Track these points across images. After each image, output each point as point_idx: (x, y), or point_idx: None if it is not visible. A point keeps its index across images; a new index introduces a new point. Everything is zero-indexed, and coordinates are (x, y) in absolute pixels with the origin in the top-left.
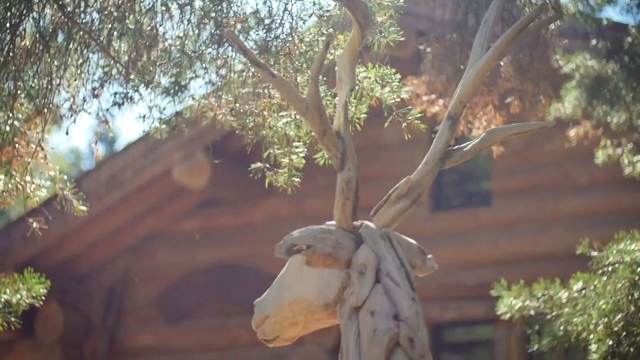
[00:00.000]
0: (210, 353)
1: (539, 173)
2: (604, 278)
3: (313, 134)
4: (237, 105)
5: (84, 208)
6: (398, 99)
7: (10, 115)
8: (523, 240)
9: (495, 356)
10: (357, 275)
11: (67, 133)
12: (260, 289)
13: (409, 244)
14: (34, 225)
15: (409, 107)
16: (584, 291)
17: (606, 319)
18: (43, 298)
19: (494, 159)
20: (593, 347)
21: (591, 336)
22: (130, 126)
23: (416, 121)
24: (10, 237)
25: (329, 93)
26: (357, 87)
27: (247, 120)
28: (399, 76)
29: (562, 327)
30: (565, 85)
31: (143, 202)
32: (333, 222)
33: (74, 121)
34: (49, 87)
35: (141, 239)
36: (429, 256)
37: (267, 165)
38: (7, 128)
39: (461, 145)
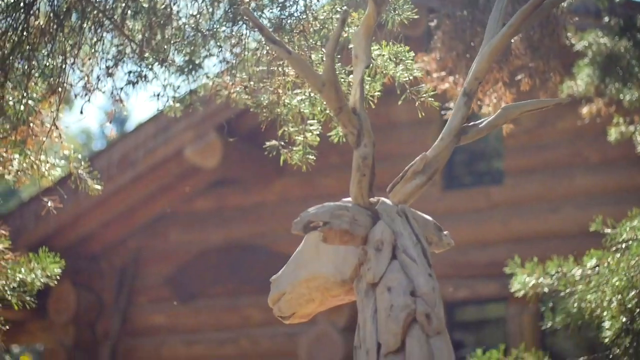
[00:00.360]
0: (222, 332)
1: (551, 151)
2: (618, 255)
3: (327, 111)
4: (252, 83)
5: (99, 187)
6: (411, 77)
7: (25, 94)
8: (535, 219)
9: (507, 334)
10: (373, 251)
11: (81, 112)
12: (272, 268)
13: (425, 220)
14: (49, 204)
15: (423, 85)
16: (597, 268)
17: (619, 296)
18: (58, 277)
19: (505, 138)
20: (606, 324)
21: (604, 313)
22: (140, 106)
23: (429, 99)
24: (22, 218)
25: (343, 71)
26: (371, 65)
27: (262, 98)
28: (412, 54)
29: (575, 305)
30: (577, 63)
31: (155, 182)
32: (349, 199)
33: (89, 100)
34: (63, 66)
35: (153, 218)
36: (445, 232)
37: (282, 143)
38: (22, 107)
39: (476, 122)
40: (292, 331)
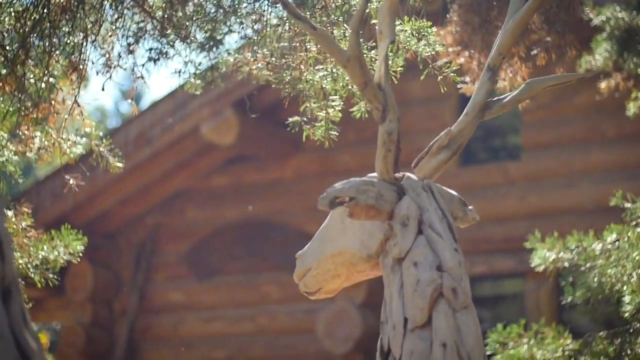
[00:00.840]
0: (240, 309)
1: (568, 126)
2: (638, 230)
3: (349, 87)
4: (274, 59)
5: (120, 164)
6: (433, 52)
7: (46, 72)
8: (552, 194)
9: (524, 309)
10: (399, 226)
11: (102, 89)
12: (289, 245)
13: (450, 195)
14: (71, 181)
15: (443, 60)
16: (617, 243)
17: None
18: (80, 255)
19: (522, 113)
20: (627, 298)
21: (625, 288)
22: (156, 83)
23: (452, 74)
24: (39, 196)
25: (365, 46)
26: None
27: (284, 74)
28: (434, 29)
29: (595, 279)
30: (595, 38)
31: (172, 159)
32: (374, 175)
33: (110, 77)
34: (84, 43)
35: (170, 195)
36: (470, 207)
37: (304, 119)
38: (43, 85)
39: (500, 97)
40: (310, 308)
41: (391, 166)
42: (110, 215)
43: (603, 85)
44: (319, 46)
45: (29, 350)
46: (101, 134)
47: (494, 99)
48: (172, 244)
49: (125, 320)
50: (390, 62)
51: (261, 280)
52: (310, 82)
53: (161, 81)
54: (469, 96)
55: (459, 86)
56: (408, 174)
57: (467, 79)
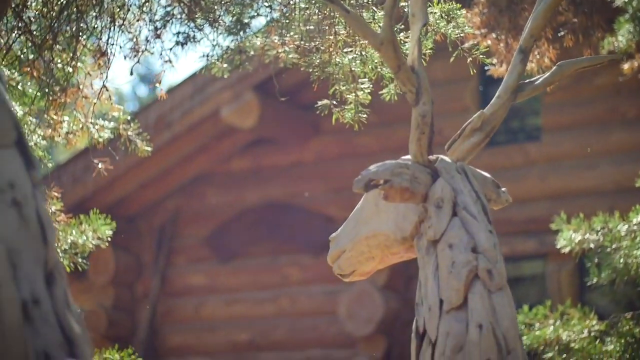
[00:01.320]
0: (261, 292)
1: (588, 108)
2: None
3: (379, 69)
4: (302, 42)
5: (149, 148)
6: (462, 34)
7: (73, 56)
8: (572, 175)
9: (545, 291)
10: (434, 209)
11: (131, 73)
12: (310, 228)
13: (483, 177)
14: (100, 165)
15: (473, 42)
16: None
17: None
18: (109, 239)
19: (542, 95)
20: None
21: None
22: (175, 67)
23: (481, 56)
24: (60, 180)
25: (395, 29)
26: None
27: (313, 57)
28: (464, 11)
29: (621, 260)
30: (618, 19)
31: (192, 143)
32: (408, 157)
33: (138, 61)
34: (112, 28)
35: (190, 179)
36: (503, 189)
37: (334, 102)
38: (70, 69)
39: (532, 79)
40: (331, 290)
41: (425, 149)
42: (130, 199)
43: (626, 66)
44: (348, 29)
45: (73, 334)
46: (128, 117)
47: (526, 81)
48: (193, 227)
49: (147, 304)
50: None
51: (282, 263)
52: (340, 64)
53: (181, 65)
54: (491, 78)
55: (486, 68)
56: (442, 156)
57: (494, 60)
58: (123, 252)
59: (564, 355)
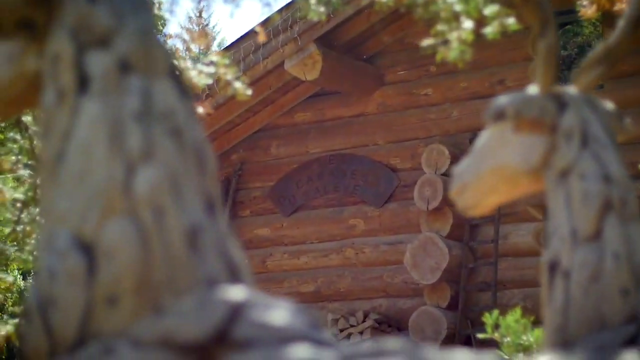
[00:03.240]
0: (326, 243)
1: None
2: None
3: (481, 8)
4: None
5: (249, 92)
6: None
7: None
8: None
9: None
10: (564, 139)
11: (231, 17)
12: (373, 178)
13: (608, 108)
14: (200, 110)
15: None
16: None
17: None
18: None
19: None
20: None
21: None
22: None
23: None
24: None
25: None
26: None
27: None
28: None
29: None
30: None
31: (255, 96)
32: (536, 89)
33: (237, 5)
34: None
35: (254, 132)
36: (627, 119)
37: (439, 42)
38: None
39: None
40: (395, 240)
41: (552, 80)
42: None
43: None
44: None
45: (236, 263)
46: (227, 61)
47: None
48: (257, 180)
49: None
50: None
51: (346, 214)
52: (442, 4)
53: (243, 18)
54: (560, 26)
55: (578, 8)
56: (568, 88)
57: (585, 2)
58: None
59: None
